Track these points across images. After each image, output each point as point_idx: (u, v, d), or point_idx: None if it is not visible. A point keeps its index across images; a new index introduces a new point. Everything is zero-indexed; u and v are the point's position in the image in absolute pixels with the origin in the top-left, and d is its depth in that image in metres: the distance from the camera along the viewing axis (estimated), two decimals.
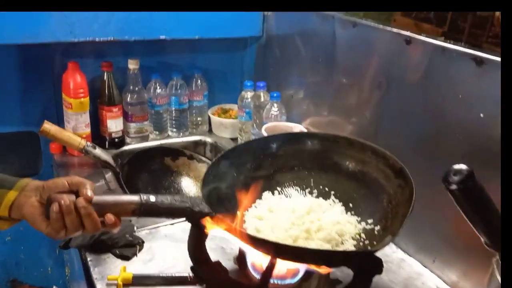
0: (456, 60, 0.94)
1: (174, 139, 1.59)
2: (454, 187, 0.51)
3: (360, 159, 0.97)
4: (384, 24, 1.12)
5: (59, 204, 0.73)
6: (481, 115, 0.90)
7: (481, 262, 0.95)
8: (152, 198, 0.77)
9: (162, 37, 1.42)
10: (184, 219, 1.13)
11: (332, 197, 0.98)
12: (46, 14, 1.24)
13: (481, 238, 0.59)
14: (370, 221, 0.92)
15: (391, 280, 1.03)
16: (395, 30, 1.07)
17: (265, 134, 1.30)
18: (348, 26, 1.20)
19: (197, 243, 0.84)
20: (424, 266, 1.07)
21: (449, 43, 0.96)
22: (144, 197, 0.76)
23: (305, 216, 0.91)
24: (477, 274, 0.96)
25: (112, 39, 1.34)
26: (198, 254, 0.82)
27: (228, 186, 0.94)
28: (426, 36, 1.00)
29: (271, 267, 0.78)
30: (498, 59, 0.86)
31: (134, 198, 0.76)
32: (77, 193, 0.75)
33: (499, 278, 0.68)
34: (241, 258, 0.95)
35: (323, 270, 0.86)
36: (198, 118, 1.63)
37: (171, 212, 0.79)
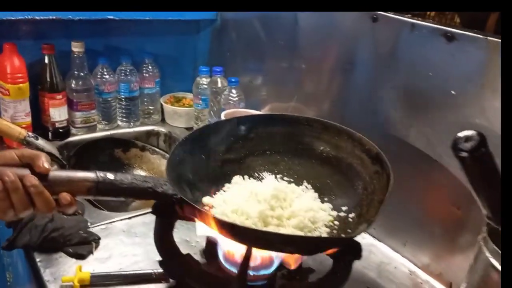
0: (426, 36, 0.92)
1: (124, 129, 1.49)
2: (464, 154, 0.47)
3: (335, 144, 0.93)
4: None
5: (2, 181, 0.62)
6: (453, 92, 0.89)
7: (454, 243, 0.95)
8: (111, 176, 0.68)
9: (110, 17, 1.30)
10: (140, 212, 1.08)
11: (305, 183, 0.93)
12: None
13: (483, 211, 0.56)
14: (344, 208, 0.88)
15: (364, 266, 1.00)
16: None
17: None
18: None
19: (164, 235, 0.76)
20: (395, 251, 1.06)
21: (418, 20, 0.94)
22: (100, 174, 0.68)
23: (277, 202, 0.86)
24: (449, 256, 0.95)
25: (54, 17, 1.22)
26: (166, 247, 0.75)
27: (195, 168, 0.86)
28: (394, 14, 0.98)
29: (248, 257, 0.72)
30: (470, 34, 0.84)
31: (90, 175, 0.68)
32: (31, 167, 0.65)
33: (488, 254, 0.66)
34: (210, 250, 0.88)
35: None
36: (150, 107, 1.53)
37: (131, 192, 0.70)
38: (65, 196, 0.65)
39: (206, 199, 0.86)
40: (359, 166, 0.90)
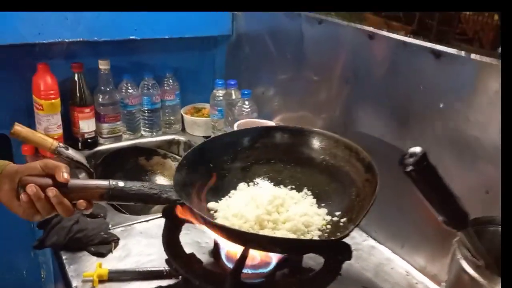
0: (416, 53, 0.98)
1: (148, 138, 1.60)
2: (410, 168, 0.54)
3: (334, 153, 1.00)
4: (356, 22, 1.15)
5: (27, 195, 0.74)
6: (441, 105, 0.95)
7: (447, 246, 1.00)
8: (121, 184, 0.79)
9: (132, 37, 1.43)
10: (159, 215, 1.18)
11: (305, 189, 1.01)
12: (13, 15, 1.24)
13: (440, 217, 0.62)
14: (338, 213, 0.95)
15: (362, 267, 1.06)
16: (358, 26, 1.11)
17: None
18: (314, 23, 1.24)
19: (171, 236, 0.85)
20: (394, 253, 1.11)
21: (409, 37, 1.00)
22: (112, 182, 0.78)
23: (274, 207, 0.94)
24: (443, 258, 1.01)
25: (81, 40, 1.35)
26: (172, 247, 0.84)
27: (203, 175, 0.96)
28: (388, 31, 1.04)
29: (244, 256, 0.80)
30: (454, 52, 0.90)
31: (103, 183, 0.78)
32: (52, 177, 0.76)
33: (460, 258, 0.72)
34: (215, 250, 0.97)
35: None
36: (171, 118, 1.65)
37: (139, 198, 0.80)
38: (81, 203, 0.76)
39: (211, 204, 0.95)
40: (354, 174, 0.96)
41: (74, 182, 0.76)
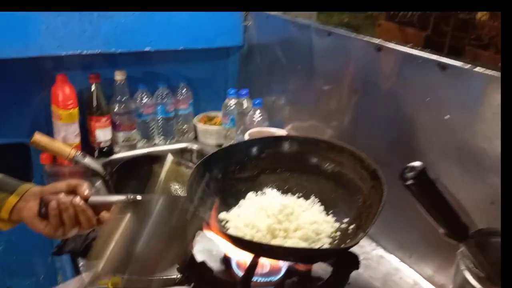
0: (422, 66, 1.00)
1: (161, 146, 1.64)
2: (409, 182, 0.57)
3: (339, 161, 1.03)
4: (370, 29, 1.17)
5: (57, 202, 0.79)
6: (447, 117, 0.96)
7: (454, 256, 1.01)
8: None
9: (147, 48, 1.47)
10: None
11: (312, 197, 1.04)
12: (34, 29, 1.29)
13: (440, 230, 0.64)
14: (345, 220, 0.97)
15: (370, 276, 1.07)
16: (366, 38, 1.14)
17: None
18: (324, 35, 1.26)
19: None
20: (402, 262, 1.12)
21: (416, 49, 1.02)
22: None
23: (285, 216, 0.96)
24: (451, 268, 1.01)
25: (99, 51, 1.39)
26: None
27: (212, 186, 0.99)
28: (395, 43, 1.06)
29: (253, 265, 0.83)
30: (459, 64, 0.92)
31: (122, 198, 0.82)
32: (74, 194, 0.81)
33: (463, 269, 0.73)
34: (226, 258, 1.00)
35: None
36: (184, 126, 1.68)
37: None
38: (104, 215, 0.80)
39: (222, 215, 0.98)
40: (359, 181, 0.99)
41: (94, 198, 0.81)
